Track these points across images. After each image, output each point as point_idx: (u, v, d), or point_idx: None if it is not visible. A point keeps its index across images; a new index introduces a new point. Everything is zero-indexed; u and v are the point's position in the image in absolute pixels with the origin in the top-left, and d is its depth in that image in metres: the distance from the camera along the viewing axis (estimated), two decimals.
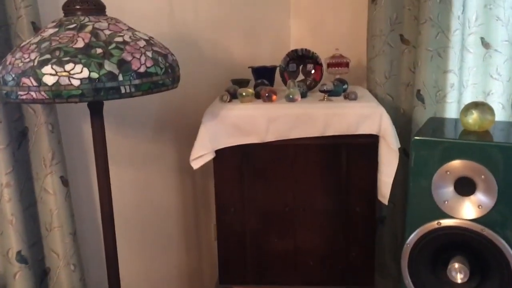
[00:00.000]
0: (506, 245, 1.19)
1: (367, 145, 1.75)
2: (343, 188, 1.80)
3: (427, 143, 1.27)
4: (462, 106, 2.03)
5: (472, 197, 1.24)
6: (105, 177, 1.46)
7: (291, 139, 1.76)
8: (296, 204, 1.83)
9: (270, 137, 1.74)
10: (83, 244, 1.78)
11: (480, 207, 1.23)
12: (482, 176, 1.21)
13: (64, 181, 1.63)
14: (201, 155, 1.74)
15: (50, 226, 1.63)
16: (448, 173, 1.25)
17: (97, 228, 1.86)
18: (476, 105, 1.30)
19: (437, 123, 1.55)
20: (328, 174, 1.79)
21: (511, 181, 1.20)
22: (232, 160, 1.80)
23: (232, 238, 1.89)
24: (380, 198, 1.80)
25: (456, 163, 1.24)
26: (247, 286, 1.90)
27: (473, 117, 1.28)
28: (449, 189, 1.26)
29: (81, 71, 1.17)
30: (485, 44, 1.95)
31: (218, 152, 1.78)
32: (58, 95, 1.17)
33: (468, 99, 2.03)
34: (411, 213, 1.34)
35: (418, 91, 2.07)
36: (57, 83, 1.16)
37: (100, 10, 1.35)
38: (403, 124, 2.16)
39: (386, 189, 1.76)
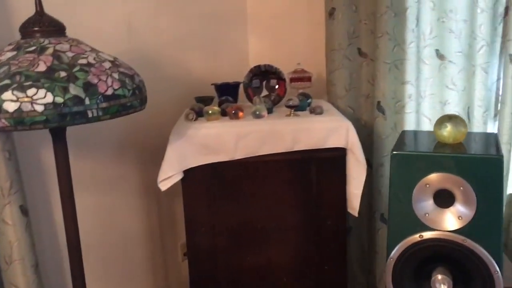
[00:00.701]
0: (488, 254, 1.22)
1: (335, 158, 1.77)
2: (313, 202, 1.80)
3: (405, 157, 1.29)
4: (421, 116, 2.11)
5: (451, 208, 1.27)
6: (71, 205, 1.39)
7: (260, 156, 1.74)
8: (268, 221, 1.81)
9: (239, 155, 1.73)
10: (45, 276, 1.68)
11: (460, 218, 1.26)
12: (461, 188, 1.24)
13: (24, 211, 1.54)
14: (169, 176, 1.70)
15: (10, 259, 1.53)
16: (428, 186, 1.27)
17: (60, 259, 1.76)
18: (449, 118, 1.34)
19: (411, 137, 1.59)
20: (298, 189, 1.79)
21: (489, 191, 1.25)
22: (201, 179, 1.77)
23: (203, 258, 1.84)
24: (350, 210, 1.82)
25: (435, 176, 1.27)
26: None
27: (447, 130, 1.31)
28: (429, 202, 1.29)
29: (45, 96, 1.11)
30: (440, 55, 2.02)
31: (187, 171, 1.74)
32: (20, 122, 1.11)
33: (426, 109, 2.09)
34: (393, 227, 1.35)
35: (379, 102, 2.12)
36: (19, 110, 1.10)
37: (60, 31, 1.29)
38: (365, 135, 2.20)
39: (355, 201, 1.78)
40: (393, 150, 1.32)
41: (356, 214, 1.81)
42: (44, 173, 1.69)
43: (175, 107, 2.14)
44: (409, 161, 1.30)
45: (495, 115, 1.96)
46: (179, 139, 1.70)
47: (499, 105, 1.92)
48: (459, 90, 2.01)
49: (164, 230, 2.23)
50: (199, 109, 1.82)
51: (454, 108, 2.04)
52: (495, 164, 1.25)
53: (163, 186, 1.72)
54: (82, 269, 1.45)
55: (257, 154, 1.74)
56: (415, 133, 1.67)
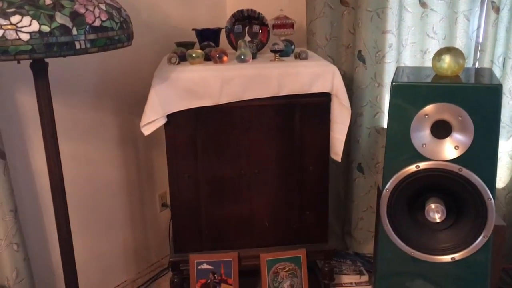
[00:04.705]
0: (482, 182, 1.26)
1: (320, 104, 1.77)
2: (296, 148, 1.81)
3: (405, 88, 1.29)
4: (401, 65, 2.12)
5: (448, 138, 1.29)
6: (54, 145, 1.34)
7: (244, 101, 1.72)
8: (251, 167, 1.81)
9: (224, 99, 1.69)
10: (24, 222, 1.64)
11: (457, 147, 1.28)
12: (459, 117, 1.26)
13: (1, 154, 1.48)
14: (152, 120, 1.66)
15: None
16: (427, 116, 1.28)
17: (38, 204, 1.72)
18: (448, 50, 1.34)
19: (408, 70, 1.58)
20: (282, 135, 1.79)
21: (487, 120, 1.27)
22: (184, 125, 1.73)
23: (186, 205, 1.83)
24: (333, 155, 1.84)
25: (433, 106, 1.28)
26: (203, 252, 1.87)
27: (446, 62, 1.31)
28: (427, 132, 1.30)
29: (30, 24, 1.05)
30: (422, 3, 2.02)
31: (170, 116, 1.70)
32: (4, 51, 1.04)
33: (407, 58, 2.11)
34: (390, 158, 1.36)
35: (360, 51, 2.12)
36: (2, 38, 1.03)
37: None
38: (344, 86, 2.20)
39: (339, 147, 1.80)
40: (393, 81, 1.31)
41: (339, 160, 1.83)
42: (20, 116, 1.62)
43: (153, 54, 2.07)
44: (409, 92, 1.30)
45: (474, 64, 2.00)
46: (163, 83, 1.65)
47: (478, 53, 1.96)
48: (440, 39, 2.03)
49: (142, 180, 2.20)
50: (181, 53, 1.77)
51: None
52: (494, 92, 1.26)
53: (146, 130, 1.67)
54: (67, 212, 1.42)
55: (241, 99, 1.71)
56: (409, 69, 1.66)
